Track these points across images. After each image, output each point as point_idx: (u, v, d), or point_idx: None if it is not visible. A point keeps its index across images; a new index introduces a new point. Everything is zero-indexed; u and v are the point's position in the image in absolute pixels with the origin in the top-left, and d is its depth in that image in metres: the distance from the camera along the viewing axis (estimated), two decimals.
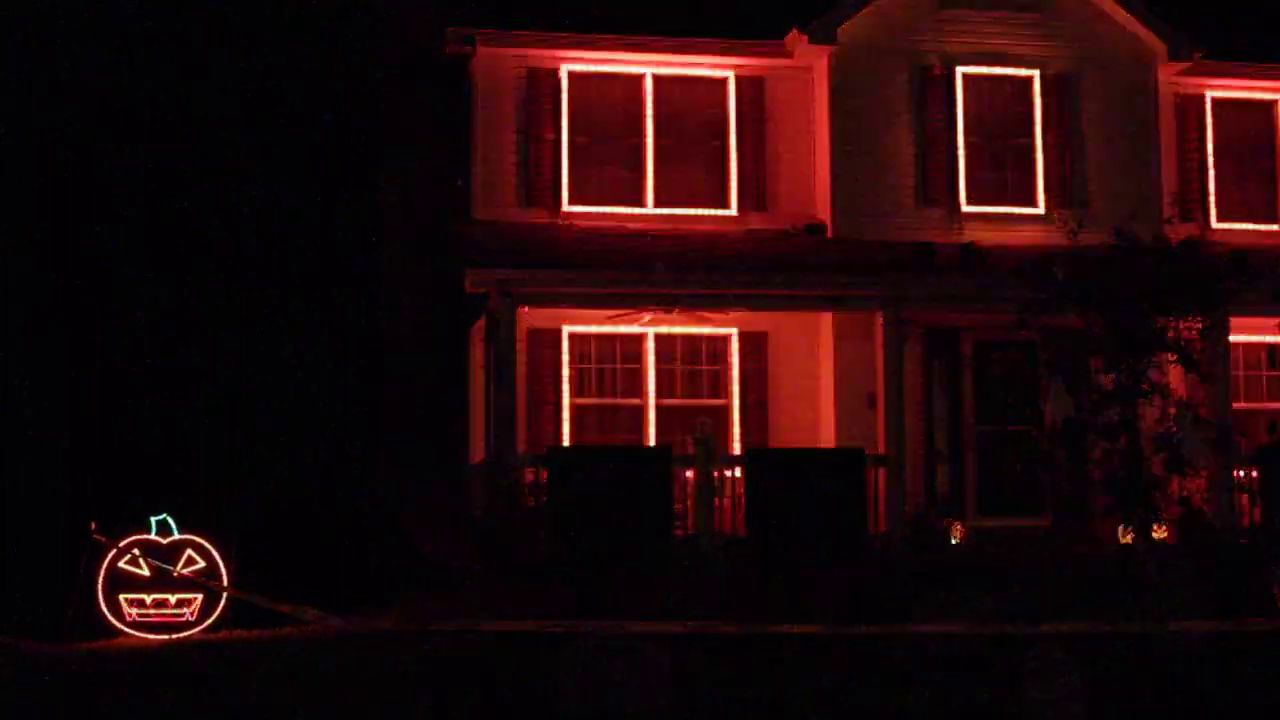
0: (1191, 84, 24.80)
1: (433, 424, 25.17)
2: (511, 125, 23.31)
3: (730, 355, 23.12)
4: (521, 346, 21.36)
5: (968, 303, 21.90)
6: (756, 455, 21.30)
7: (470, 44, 23.21)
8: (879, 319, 21.80)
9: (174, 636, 17.04)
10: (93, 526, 16.95)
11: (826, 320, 22.83)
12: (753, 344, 23.12)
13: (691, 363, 23.13)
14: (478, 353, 22.33)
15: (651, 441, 22.43)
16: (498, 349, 20.85)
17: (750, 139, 23.70)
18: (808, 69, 23.84)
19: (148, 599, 17.18)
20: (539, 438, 21.86)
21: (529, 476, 20.09)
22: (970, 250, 22.05)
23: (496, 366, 20.90)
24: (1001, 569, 19.14)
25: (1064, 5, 24.09)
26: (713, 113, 23.83)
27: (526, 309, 21.13)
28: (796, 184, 23.78)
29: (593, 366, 22.88)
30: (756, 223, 23.54)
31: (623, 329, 22.64)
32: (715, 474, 20.29)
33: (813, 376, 23.08)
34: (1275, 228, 24.60)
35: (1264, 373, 24.15)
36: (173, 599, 17.21)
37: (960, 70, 23.79)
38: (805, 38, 23.29)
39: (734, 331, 23.01)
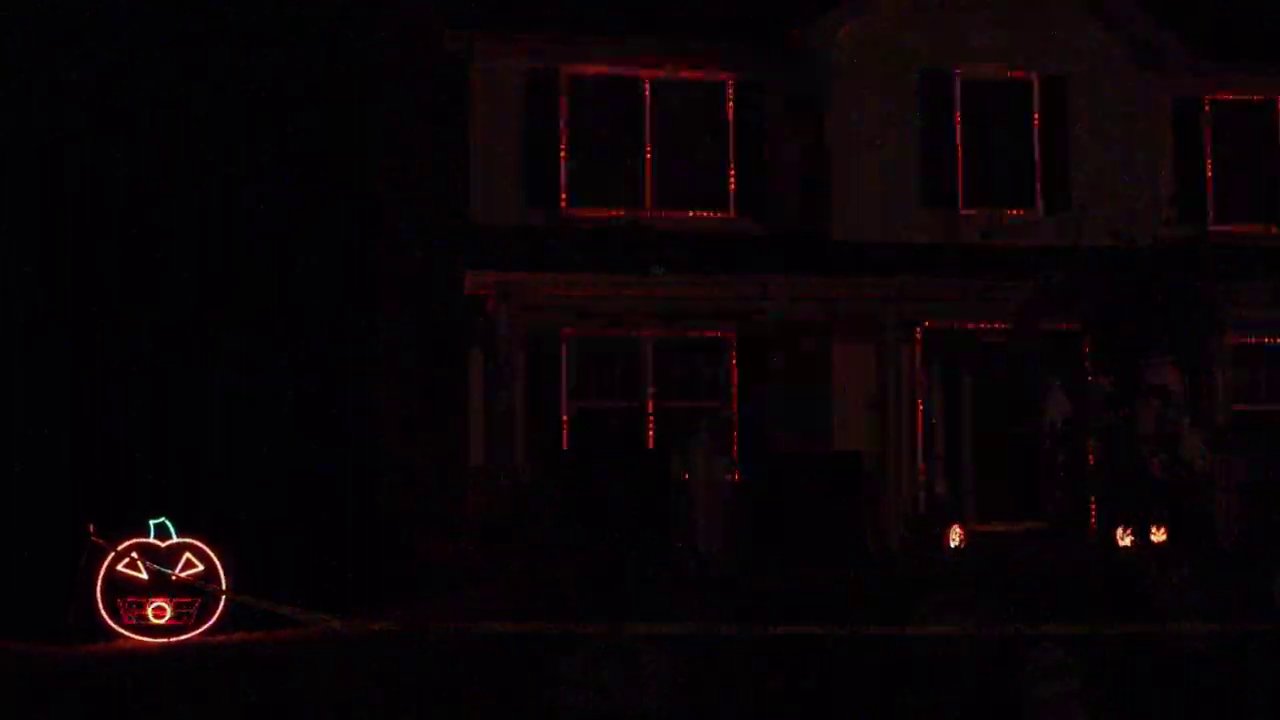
0: (1189, 85, 24.80)
1: (432, 426, 25.17)
2: (510, 127, 23.30)
3: (729, 358, 23.12)
4: (520, 349, 21.35)
5: (967, 306, 21.90)
6: (755, 457, 21.32)
7: (469, 46, 23.20)
8: (878, 321, 21.80)
9: (172, 639, 17.01)
10: (91, 529, 16.91)
11: (826, 323, 22.83)
12: (752, 347, 23.11)
13: (690, 366, 23.13)
14: (476, 355, 22.33)
15: (651, 444, 22.42)
16: (496, 351, 20.86)
17: (750, 140, 23.70)
18: (808, 71, 23.82)
19: (146, 602, 17.15)
20: (538, 440, 21.86)
21: (527, 479, 20.09)
22: (970, 253, 22.06)
23: (495, 369, 20.91)
24: (1001, 571, 19.15)
25: (1063, 7, 24.10)
26: (712, 115, 23.83)
27: (525, 311, 21.12)
28: (796, 186, 23.78)
29: (591, 369, 22.88)
30: (756, 225, 23.53)
31: (621, 332, 22.64)
32: (714, 476, 20.28)
33: (812, 379, 23.06)
34: (1273, 228, 24.61)
35: (1262, 374, 24.14)
36: (171, 602, 17.17)
37: (960, 72, 23.80)
38: (805, 40, 23.29)
39: (734, 334, 23.01)
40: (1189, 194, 24.62)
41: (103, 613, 17.10)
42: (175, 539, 17.38)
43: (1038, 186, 23.87)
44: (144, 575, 17.12)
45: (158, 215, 25.36)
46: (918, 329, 22.59)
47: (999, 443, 22.73)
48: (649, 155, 23.55)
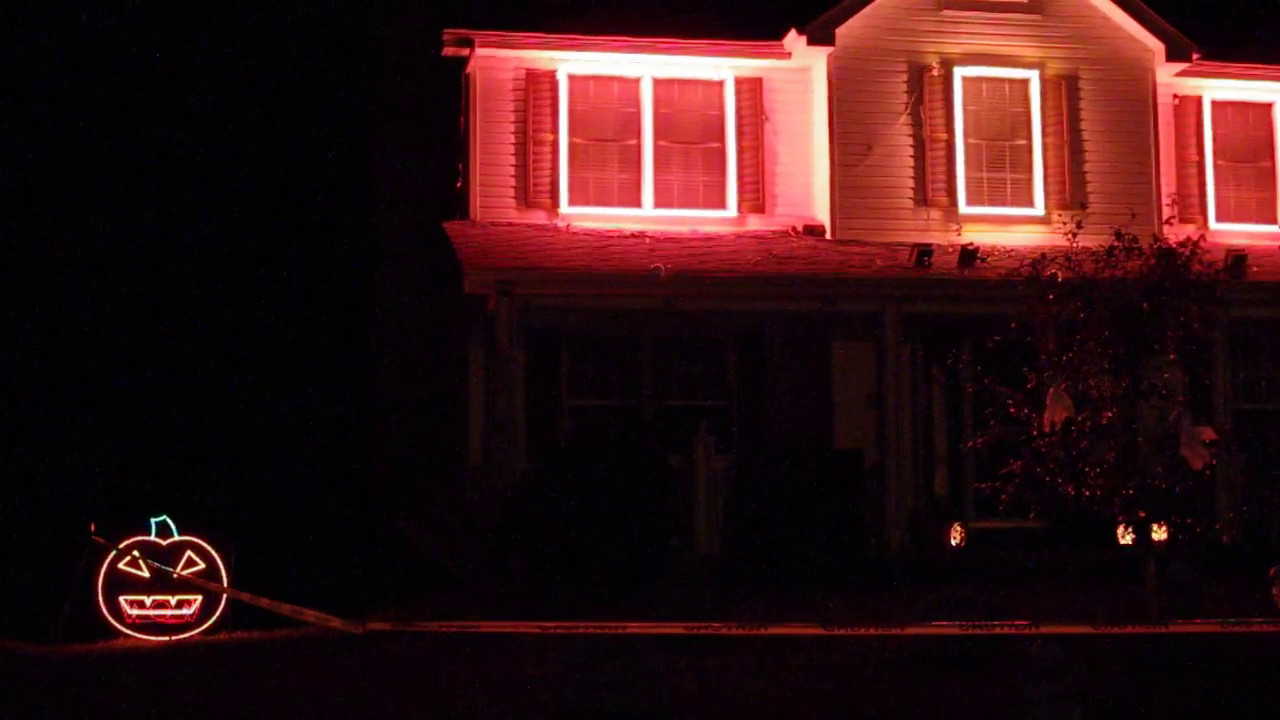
0: (1190, 85, 24.82)
1: (431, 425, 25.19)
2: (510, 127, 23.31)
3: (728, 357, 23.13)
4: (520, 347, 21.36)
5: (966, 304, 21.90)
6: (755, 456, 21.32)
7: (468, 46, 23.20)
8: (878, 320, 21.81)
9: (174, 638, 17.04)
10: (92, 528, 16.94)
11: (826, 321, 22.83)
12: (751, 345, 23.12)
13: (689, 364, 23.14)
14: (476, 354, 22.33)
15: (650, 443, 22.42)
16: (496, 350, 20.87)
17: (749, 140, 23.70)
18: (806, 70, 23.84)
19: (147, 600, 17.19)
20: (537, 439, 21.85)
21: (527, 478, 20.10)
22: (969, 252, 22.07)
23: (494, 368, 20.92)
24: (1000, 570, 19.16)
25: (1062, 6, 24.11)
26: (711, 114, 23.83)
27: (525, 310, 21.13)
28: (795, 185, 23.78)
29: (591, 367, 22.88)
30: (755, 224, 23.55)
31: (620, 331, 22.64)
32: (713, 474, 20.29)
33: (811, 378, 23.07)
34: (1274, 228, 24.61)
35: (1263, 374, 24.15)
36: (172, 600, 17.22)
37: (959, 71, 23.80)
38: (804, 39, 23.30)
39: (733, 331, 23.01)
40: (1189, 192, 24.63)
41: (104, 611, 17.15)
42: (176, 537, 17.43)
43: (1038, 185, 23.87)
44: (145, 573, 17.16)
45: (158, 216, 25.40)
46: (917, 326, 22.59)
47: (999, 440, 22.72)
48: (648, 153, 23.54)
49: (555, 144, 23.30)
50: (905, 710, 13.88)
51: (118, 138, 25.64)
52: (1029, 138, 23.98)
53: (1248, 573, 17.21)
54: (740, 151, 23.69)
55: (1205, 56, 24.28)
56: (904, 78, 23.71)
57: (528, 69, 23.39)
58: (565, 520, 19.36)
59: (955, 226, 23.43)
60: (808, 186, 23.78)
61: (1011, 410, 18.48)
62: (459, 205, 23.53)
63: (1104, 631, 14.44)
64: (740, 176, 23.65)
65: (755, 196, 23.65)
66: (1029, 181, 23.89)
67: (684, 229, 23.26)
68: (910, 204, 23.53)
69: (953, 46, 23.86)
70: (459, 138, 23.69)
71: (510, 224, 22.95)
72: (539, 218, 23.12)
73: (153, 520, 17.38)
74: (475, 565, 20.03)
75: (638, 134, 23.58)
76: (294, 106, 26.38)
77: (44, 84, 25.64)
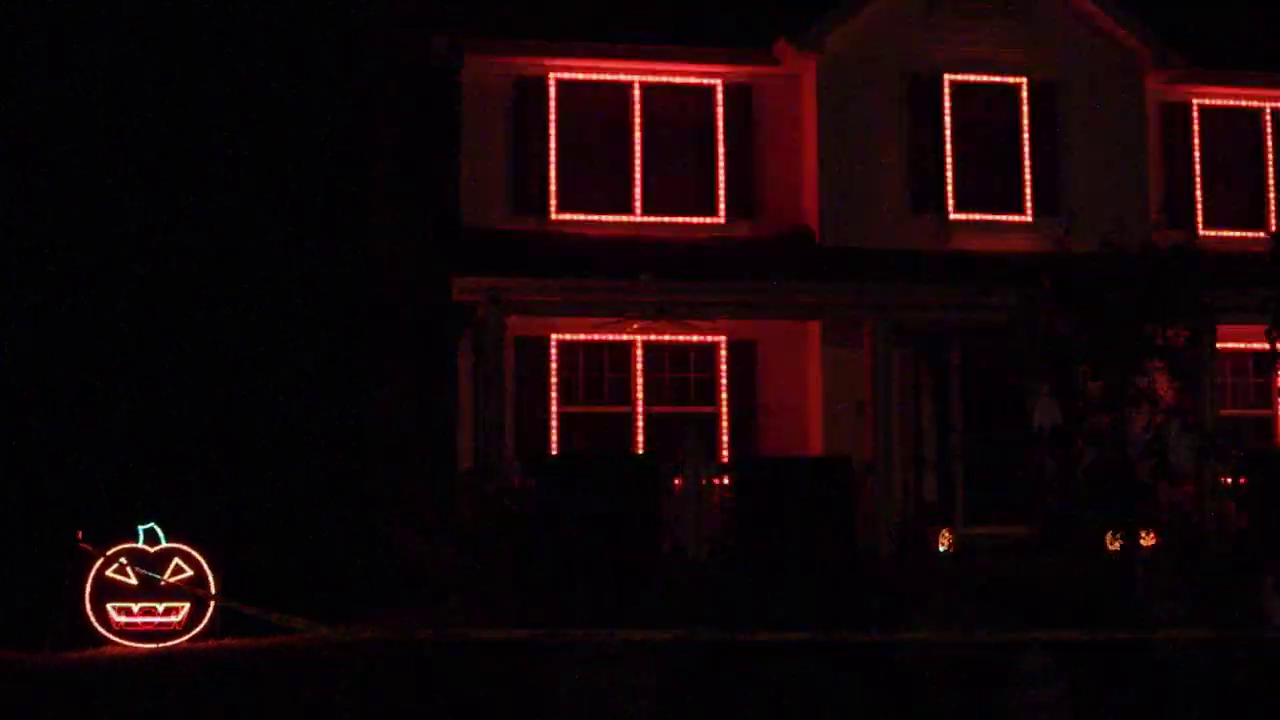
0: (1178, 91, 24.84)
1: (421, 432, 25.15)
2: (500, 132, 23.31)
3: (718, 363, 23.12)
4: (509, 354, 21.36)
5: (956, 310, 21.91)
6: (744, 462, 21.32)
7: (458, 52, 23.19)
8: (867, 326, 21.82)
9: (162, 645, 16.99)
10: (79, 535, 16.89)
11: (815, 328, 22.85)
12: (741, 351, 23.13)
13: (679, 371, 23.14)
14: (466, 360, 22.32)
15: (640, 449, 22.43)
16: (485, 356, 20.86)
17: (738, 146, 23.71)
18: (795, 76, 23.85)
19: (135, 608, 17.12)
20: (527, 445, 21.86)
21: (516, 484, 20.07)
22: (958, 258, 22.08)
23: (484, 374, 20.90)
24: (990, 576, 19.16)
25: (1051, 13, 24.13)
26: (701, 120, 23.83)
27: (514, 317, 21.13)
28: (784, 191, 23.79)
29: (581, 374, 22.88)
30: (744, 230, 23.55)
31: (611, 337, 22.64)
32: (703, 481, 20.28)
33: (801, 384, 23.09)
34: (1262, 234, 24.63)
35: (1251, 379, 24.18)
36: (160, 608, 17.15)
37: (948, 78, 23.81)
38: (793, 46, 23.31)
39: (722, 339, 23.02)
40: (1177, 199, 24.66)
41: (91, 619, 17.08)
42: (164, 544, 17.37)
43: (1027, 191, 23.89)
44: (133, 581, 17.10)
45: (145, 219, 25.33)
46: (907, 333, 22.60)
47: (988, 448, 22.75)
48: (638, 160, 23.55)
49: (545, 149, 23.30)
50: (895, 717, 13.88)
51: (104, 140, 25.57)
52: (1018, 144, 24.00)
53: (1236, 579, 17.22)
54: (730, 157, 23.70)
55: (1193, 63, 24.32)
56: (893, 84, 23.71)
57: (518, 75, 23.38)
58: (555, 528, 19.34)
59: (944, 232, 23.44)
60: (797, 192, 23.79)
61: (1000, 417, 18.52)
62: (448, 210, 23.51)
63: (1093, 637, 14.45)
64: (729, 182, 23.66)
65: (745, 202, 23.66)
66: (1018, 188, 23.90)
67: (674, 235, 23.26)
68: (899, 210, 23.54)
69: (941, 53, 23.87)
70: (449, 143, 23.68)
71: (499, 229, 22.95)
72: (528, 223, 23.11)
73: (140, 527, 17.33)
74: (464, 572, 19.99)
75: (627, 140, 23.59)
76: (283, 111, 26.32)
77: (28, 81, 25.58)
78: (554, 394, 22.60)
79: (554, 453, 22.04)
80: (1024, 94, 24.05)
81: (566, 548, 19.17)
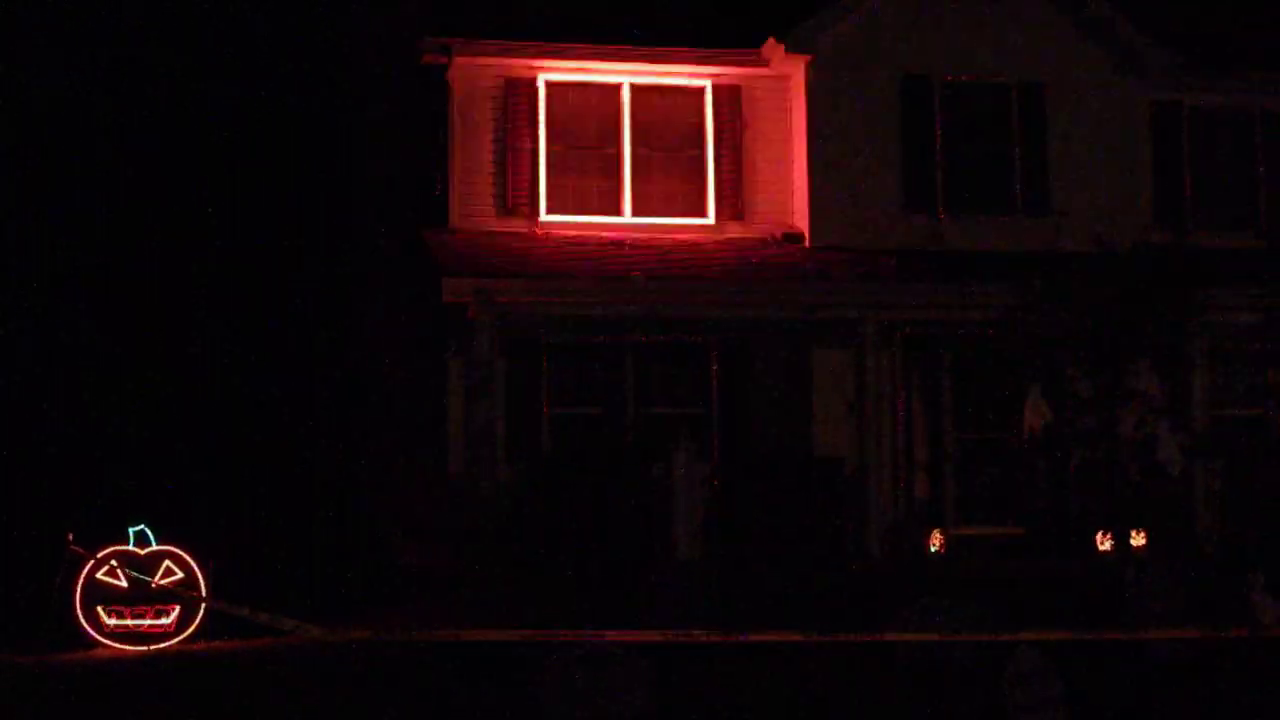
0: (1169, 91, 24.84)
1: (411, 433, 25.14)
2: (489, 134, 23.29)
3: (709, 364, 23.10)
4: (499, 355, 21.34)
5: (947, 311, 21.92)
6: (736, 463, 21.33)
7: (447, 53, 23.16)
8: (857, 327, 21.82)
9: (152, 648, 16.98)
10: (70, 537, 16.87)
11: (806, 328, 22.84)
12: (731, 352, 23.11)
13: (671, 372, 23.12)
14: (456, 362, 22.29)
15: (632, 450, 22.39)
16: (476, 358, 20.84)
17: (728, 148, 23.70)
18: (785, 78, 23.85)
19: (126, 610, 17.12)
20: (518, 447, 21.83)
21: (507, 486, 20.08)
22: (949, 258, 22.10)
23: (475, 376, 20.88)
24: (980, 576, 19.18)
25: (1042, 14, 24.14)
26: (690, 122, 23.83)
27: (504, 318, 21.11)
28: (775, 193, 23.79)
29: (572, 375, 22.86)
30: (735, 232, 23.55)
31: (602, 338, 22.62)
32: (694, 482, 20.28)
33: (792, 385, 23.07)
34: (1252, 234, 24.66)
35: (1240, 379, 24.18)
36: (151, 610, 17.15)
37: (939, 79, 23.82)
38: (783, 47, 23.31)
39: (714, 339, 23.00)
40: (1168, 200, 24.68)
41: (82, 621, 17.07)
42: (155, 546, 17.36)
43: (1018, 191, 23.90)
44: (123, 583, 17.09)
45: (132, 222, 25.31)
46: (898, 333, 22.61)
47: (979, 447, 22.76)
48: (627, 161, 23.54)
49: (534, 151, 23.29)
50: (885, 717, 13.89)
51: (89, 142, 25.54)
52: (1008, 144, 24.01)
53: (1226, 578, 17.24)
54: (719, 159, 23.69)
55: (1184, 64, 24.33)
56: (883, 85, 23.72)
57: (507, 76, 23.37)
58: (546, 528, 19.36)
59: (935, 233, 23.45)
60: (787, 194, 23.79)
61: (991, 417, 18.54)
62: (438, 212, 23.50)
63: (1084, 637, 14.46)
64: (719, 184, 23.65)
65: (734, 204, 23.66)
66: (1008, 188, 23.91)
67: (663, 236, 23.26)
68: (890, 211, 23.54)
69: (932, 54, 23.87)
70: (438, 145, 23.67)
71: (489, 231, 22.94)
72: (518, 225, 23.10)
73: (131, 530, 17.32)
74: (456, 573, 19.99)
75: (617, 141, 23.58)
76: (271, 113, 26.30)
77: (15, 74, 25.55)
78: (545, 395, 22.57)
79: (545, 454, 22.02)
80: (1014, 94, 24.07)
81: (558, 549, 19.18)
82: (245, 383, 24.95)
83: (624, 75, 23.62)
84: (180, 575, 17.21)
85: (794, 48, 23.31)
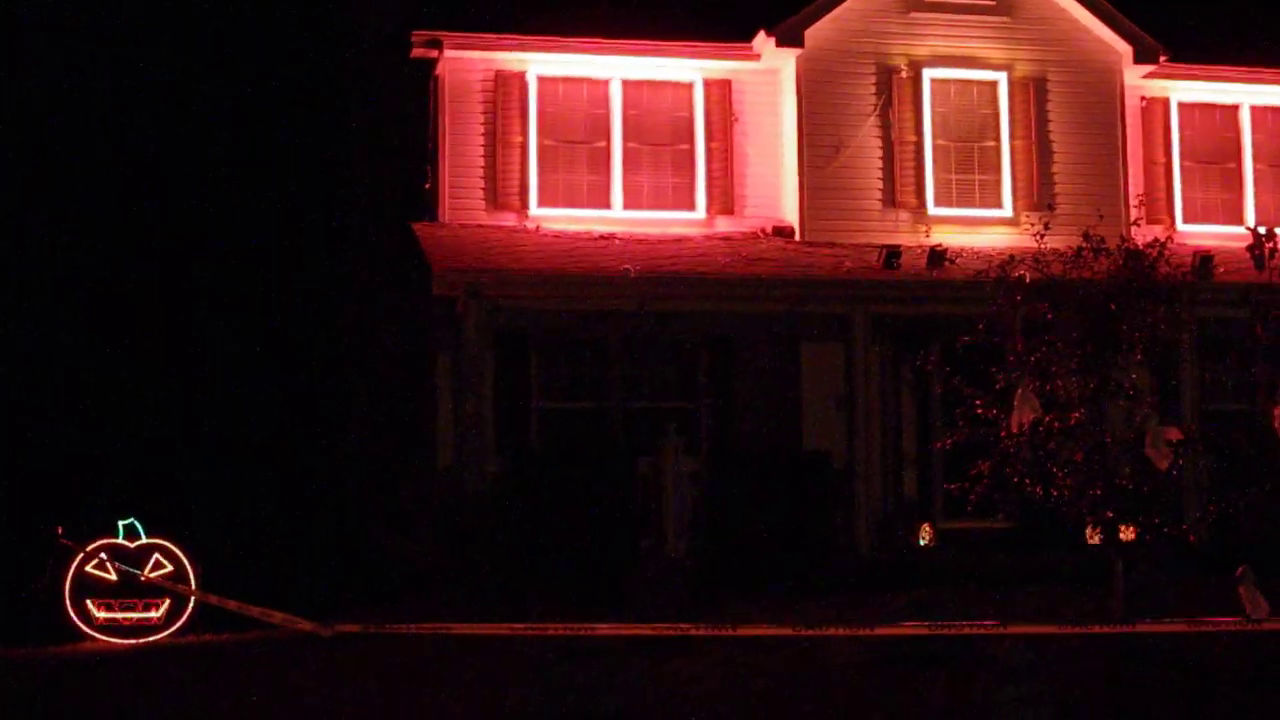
0: (1157, 86, 24.91)
1: (400, 427, 25.14)
2: (479, 128, 23.28)
3: (698, 358, 23.10)
4: (489, 349, 21.33)
5: (935, 305, 21.93)
6: (724, 458, 21.34)
7: (437, 47, 23.16)
8: (846, 322, 21.83)
9: (141, 641, 16.98)
10: (59, 531, 16.86)
11: (795, 323, 22.84)
12: (720, 347, 23.11)
13: (660, 367, 23.12)
14: (445, 357, 22.28)
15: (620, 445, 22.39)
16: (465, 353, 20.82)
17: (718, 142, 23.71)
18: (775, 72, 23.87)
19: (115, 603, 17.11)
20: (506, 441, 21.80)
21: (496, 480, 20.07)
22: (938, 253, 22.11)
23: (463, 370, 20.87)
24: (969, 570, 19.20)
25: (1030, 8, 24.17)
26: (680, 116, 23.83)
27: (493, 312, 21.09)
28: (764, 187, 23.81)
29: (561, 369, 22.85)
30: (724, 225, 23.57)
31: (591, 332, 22.61)
32: (682, 477, 20.28)
33: (781, 379, 23.07)
34: (1241, 230, 24.68)
35: (1229, 374, 24.20)
36: (140, 603, 17.14)
37: (927, 73, 23.85)
38: (772, 41, 23.32)
39: (702, 333, 22.99)
40: (1157, 193, 24.72)
41: (71, 614, 17.07)
42: (144, 540, 17.36)
43: (1006, 186, 23.94)
44: (113, 576, 17.09)
45: (123, 218, 25.30)
46: (887, 330, 22.61)
47: (969, 441, 22.77)
48: (618, 155, 23.54)
49: (524, 145, 23.28)
50: (874, 712, 13.90)
51: (81, 140, 25.53)
52: (997, 139, 24.05)
53: (1215, 572, 17.26)
54: (709, 153, 23.70)
55: (1172, 58, 24.37)
56: (872, 79, 23.75)
57: (497, 70, 23.36)
58: (535, 523, 19.35)
59: (924, 228, 23.47)
60: (777, 188, 23.81)
61: (980, 411, 18.54)
62: (427, 207, 23.50)
63: (1072, 631, 14.48)
64: (709, 178, 23.66)
65: (724, 198, 23.67)
66: (997, 183, 23.95)
67: (653, 231, 23.27)
68: (879, 205, 23.57)
69: (921, 48, 23.91)
70: (428, 139, 23.67)
71: (479, 225, 22.93)
72: (508, 219, 23.10)
73: (120, 523, 17.32)
74: (444, 568, 20.00)
75: (607, 136, 23.59)
76: (262, 107, 26.29)
77: (19, 78, 25.54)
78: (533, 390, 22.56)
79: (534, 449, 22.01)
80: (1003, 89, 24.10)
81: (546, 543, 19.18)
82: (236, 378, 24.97)
83: (614, 69, 23.62)
84: (170, 569, 17.21)
85: (784, 41, 23.33)
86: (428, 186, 23.64)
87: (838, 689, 14.47)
